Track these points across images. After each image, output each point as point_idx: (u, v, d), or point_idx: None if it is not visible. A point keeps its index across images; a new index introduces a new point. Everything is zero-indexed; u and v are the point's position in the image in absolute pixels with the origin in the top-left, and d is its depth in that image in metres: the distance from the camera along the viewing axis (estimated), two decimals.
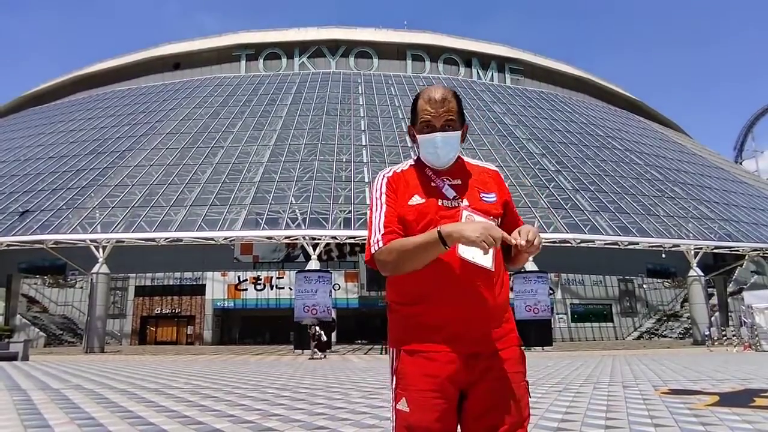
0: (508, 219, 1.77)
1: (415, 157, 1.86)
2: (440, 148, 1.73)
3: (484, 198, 1.73)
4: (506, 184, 1.84)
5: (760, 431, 4.71)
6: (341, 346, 29.11)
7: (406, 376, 1.65)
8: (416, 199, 1.71)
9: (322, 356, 19.94)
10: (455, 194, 1.72)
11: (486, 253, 1.55)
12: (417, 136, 1.78)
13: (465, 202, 1.69)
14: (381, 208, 1.72)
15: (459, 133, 1.76)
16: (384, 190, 1.76)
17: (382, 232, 1.67)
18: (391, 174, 1.81)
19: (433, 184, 1.75)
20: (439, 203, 1.70)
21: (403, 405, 1.63)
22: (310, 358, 19.23)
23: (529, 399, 1.70)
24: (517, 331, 1.76)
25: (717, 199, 33.76)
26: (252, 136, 33.35)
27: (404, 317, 1.70)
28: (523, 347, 1.76)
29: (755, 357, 18.10)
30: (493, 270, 1.61)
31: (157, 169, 30.23)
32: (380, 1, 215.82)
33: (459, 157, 1.82)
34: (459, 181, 1.76)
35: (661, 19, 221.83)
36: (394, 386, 1.69)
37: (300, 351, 22.89)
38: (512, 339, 1.71)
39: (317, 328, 20.67)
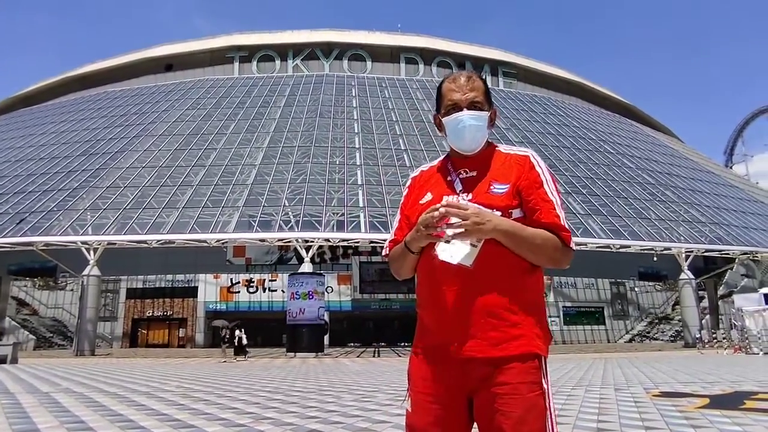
0: (526, 208, 1.60)
1: (447, 152, 1.81)
2: (467, 128, 1.65)
3: (493, 190, 1.61)
4: (536, 168, 1.64)
5: None
6: (334, 348, 29.02)
7: (412, 377, 1.67)
8: (427, 197, 1.69)
9: (236, 359, 20.01)
10: (462, 188, 1.65)
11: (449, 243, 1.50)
12: (443, 120, 1.70)
13: (468, 197, 1.62)
14: (398, 214, 1.80)
15: (487, 114, 1.68)
16: (404, 193, 1.82)
17: (390, 239, 1.77)
18: (417, 174, 1.83)
19: (449, 178, 1.70)
20: (444, 200, 1.64)
21: (407, 404, 1.65)
22: (222, 361, 19.46)
23: (549, 413, 1.52)
24: (533, 337, 1.55)
25: (708, 202, 34.02)
26: (245, 138, 33.26)
27: (418, 318, 1.71)
28: (538, 355, 1.55)
29: (745, 360, 18.22)
30: (470, 267, 1.50)
31: (149, 170, 30.08)
32: (374, 4, 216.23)
33: (493, 145, 1.73)
34: (475, 173, 1.67)
35: (653, 23, 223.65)
36: (407, 385, 1.71)
37: (293, 354, 22.83)
38: (518, 346, 1.53)
39: (237, 331, 21.19)
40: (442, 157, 1.80)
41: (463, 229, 1.48)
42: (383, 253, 1.81)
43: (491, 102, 1.71)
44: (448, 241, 1.51)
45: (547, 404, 1.53)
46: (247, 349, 20.91)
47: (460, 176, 1.68)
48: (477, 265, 1.51)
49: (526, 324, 1.56)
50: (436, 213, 1.50)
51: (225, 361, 19.43)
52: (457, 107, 1.66)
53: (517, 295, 1.55)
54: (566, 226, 1.59)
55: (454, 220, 1.50)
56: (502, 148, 1.73)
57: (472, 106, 1.65)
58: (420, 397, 1.61)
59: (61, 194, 28.57)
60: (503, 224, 1.52)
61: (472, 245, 1.50)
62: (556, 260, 1.58)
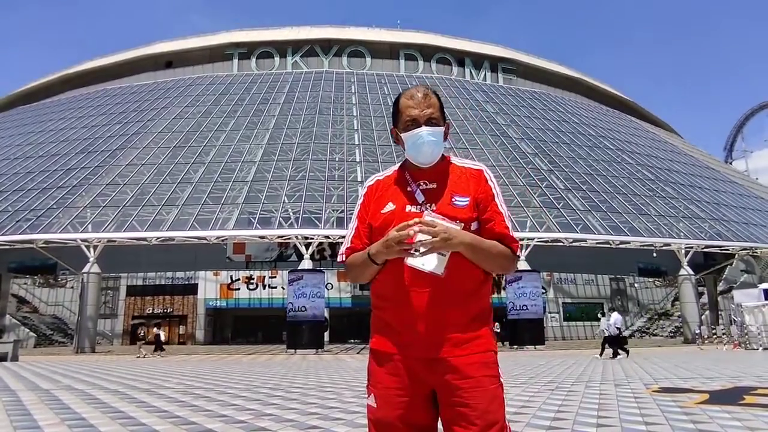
0: (481, 219, 1.72)
1: (401, 162, 1.89)
2: (426, 143, 1.73)
3: (455, 202, 1.71)
4: (489, 182, 1.77)
5: (749, 428, 4.74)
6: (334, 345, 29.09)
7: (374, 373, 1.76)
8: (389, 206, 1.76)
9: (154, 355, 21.04)
10: (424, 199, 1.74)
11: (415, 254, 1.59)
12: (401, 134, 1.79)
13: (432, 207, 1.70)
14: (353, 221, 1.85)
15: (442, 128, 1.77)
16: (360, 201, 1.87)
17: (346, 246, 1.81)
18: (372, 183, 1.88)
19: (409, 188, 1.77)
20: (407, 209, 1.72)
21: (371, 400, 1.74)
22: (143, 356, 20.68)
23: (504, 402, 1.67)
24: (490, 336, 1.71)
25: (707, 198, 34.01)
26: (244, 135, 33.21)
27: (375, 318, 1.78)
28: (494, 352, 1.71)
29: (745, 355, 18.27)
30: (442, 275, 1.60)
31: (148, 168, 30.04)
32: (373, 1, 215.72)
33: (447, 158, 1.83)
34: (434, 185, 1.76)
35: (653, 19, 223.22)
36: (366, 382, 1.79)
37: (293, 351, 22.87)
38: (479, 345, 1.67)
39: (156, 329, 22.93)
40: (395, 167, 1.89)
41: (431, 246, 1.58)
42: (338, 260, 1.85)
43: (445, 117, 1.81)
44: (417, 250, 1.60)
45: (503, 395, 1.69)
46: (164, 347, 22.71)
47: (420, 188, 1.76)
48: (445, 273, 1.62)
49: (483, 325, 1.71)
50: (411, 231, 1.58)
51: (146, 356, 20.64)
52: (415, 123, 1.75)
53: (476, 300, 1.70)
54: (514, 237, 1.74)
55: (420, 236, 1.59)
56: (456, 161, 1.83)
57: (430, 122, 1.74)
58: (386, 392, 1.70)
59: (60, 192, 28.55)
60: (467, 238, 1.63)
61: (441, 254, 1.61)
62: (505, 268, 1.74)
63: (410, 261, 1.60)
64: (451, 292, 1.65)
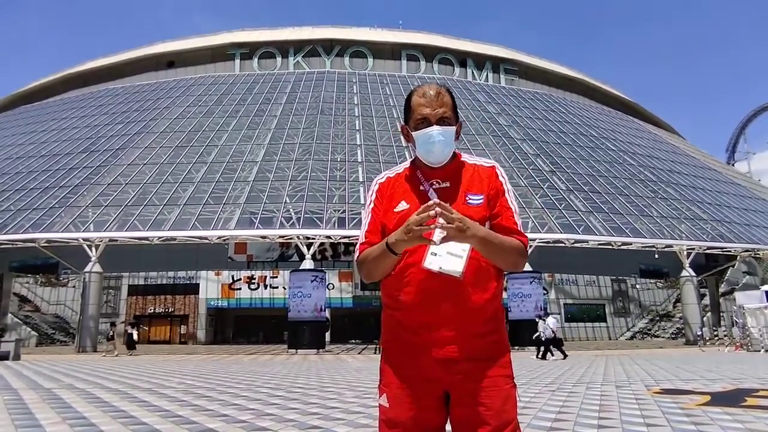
0: (491, 213, 1.72)
1: (411, 159, 1.86)
2: (436, 143, 1.71)
3: (469, 201, 1.70)
4: (500, 178, 1.77)
5: (751, 430, 4.74)
6: (335, 345, 29.09)
7: (387, 373, 1.73)
8: (402, 205, 1.73)
9: (116, 354, 21.20)
10: (438, 198, 1.70)
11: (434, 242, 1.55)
12: (412, 133, 1.76)
13: None
14: (366, 217, 1.82)
15: (454, 128, 1.75)
16: (372, 198, 1.83)
17: (361, 241, 1.78)
18: (383, 180, 1.85)
19: (421, 188, 1.75)
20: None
21: (383, 400, 1.71)
22: (115, 355, 20.87)
23: (517, 401, 1.69)
24: (505, 337, 1.72)
25: (709, 200, 33.96)
26: (246, 135, 33.24)
27: (389, 318, 1.75)
28: (509, 352, 1.73)
29: (747, 357, 18.24)
30: (461, 277, 1.57)
31: (150, 167, 30.08)
32: (375, 1, 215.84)
33: (457, 155, 1.80)
34: (448, 184, 1.74)
35: (656, 21, 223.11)
36: (378, 382, 1.77)
37: (294, 351, 22.87)
38: (495, 345, 1.68)
39: (129, 328, 23.67)
40: (406, 164, 1.85)
41: (446, 232, 1.54)
42: (354, 258, 1.80)
43: (458, 116, 1.78)
44: (435, 254, 1.58)
45: (517, 394, 1.71)
46: (136, 346, 23.27)
47: (434, 186, 1.74)
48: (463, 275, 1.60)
49: (499, 326, 1.72)
50: (432, 212, 1.53)
51: (117, 355, 20.79)
52: (426, 122, 1.72)
53: (492, 300, 1.69)
54: (522, 232, 1.72)
55: (439, 222, 1.56)
56: (468, 159, 1.82)
57: (441, 121, 1.72)
58: (400, 392, 1.68)
59: (62, 191, 28.59)
60: (480, 231, 1.59)
61: (459, 256, 1.58)
62: (516, 264, 1.70)
63: (427, 264, 1.59)
64: (468, 293, 1.63)
